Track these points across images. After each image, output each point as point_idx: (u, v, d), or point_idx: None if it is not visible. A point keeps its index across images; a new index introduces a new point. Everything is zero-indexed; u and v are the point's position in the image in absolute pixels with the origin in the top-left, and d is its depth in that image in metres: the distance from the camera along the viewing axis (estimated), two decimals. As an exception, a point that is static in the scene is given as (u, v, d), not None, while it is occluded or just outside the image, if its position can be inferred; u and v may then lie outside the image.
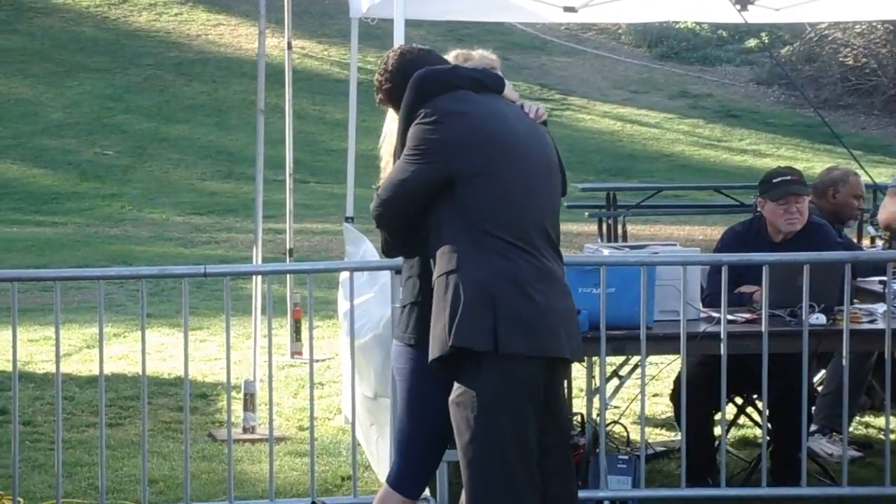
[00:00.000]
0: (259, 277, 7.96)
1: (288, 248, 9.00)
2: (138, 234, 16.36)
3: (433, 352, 4.36)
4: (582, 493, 5.34)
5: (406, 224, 4.45)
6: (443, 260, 4.35)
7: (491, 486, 4.30)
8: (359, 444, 6.41)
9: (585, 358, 5.80)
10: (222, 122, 22.61)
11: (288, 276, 9.27)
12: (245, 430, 7.32)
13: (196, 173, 20.44)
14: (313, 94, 23.25)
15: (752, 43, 27.00)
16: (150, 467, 6.25)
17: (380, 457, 6.29)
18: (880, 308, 6.17)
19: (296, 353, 9.14)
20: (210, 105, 23.39)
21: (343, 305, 7.39)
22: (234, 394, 7.38)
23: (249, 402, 7.37)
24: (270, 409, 6.04)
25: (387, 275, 5.92)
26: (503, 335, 4.25)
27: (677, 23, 25.38)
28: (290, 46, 8.88)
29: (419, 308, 4.59)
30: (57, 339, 5.78)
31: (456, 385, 4.34)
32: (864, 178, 7.55)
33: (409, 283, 4.65)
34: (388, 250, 4.60)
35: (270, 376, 6.12)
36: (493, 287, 4.27)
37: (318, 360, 8.58)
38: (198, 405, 7.98)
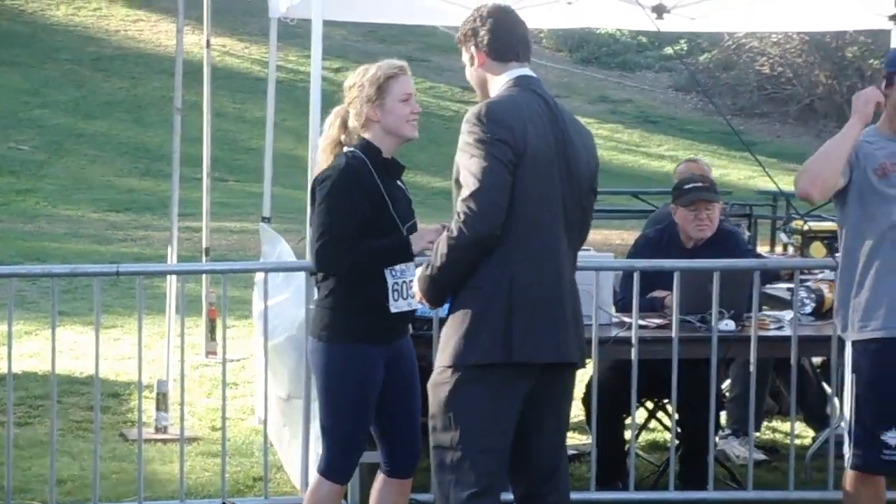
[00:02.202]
0: (174, 277, 7.92)
1: (204, 246, 8.96)
2: (53, 231, 16.17)
3: (447, 359, 4.42)
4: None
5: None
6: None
7: (460, 481, 4.38)
8: (271, 445, 6.40)
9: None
10: (140, 119, 22.41)
11: (203, 275, 9.22)
12: (157, 430, 7.28)
13: (113, 170, 20.24)
14: (233, 92, 23.13)
15: (671, 50, 27.30)
16: (58, 467, 6.19)
17: (292, 458, 6.28)
18: (787, 315, 6.27)
19: (210, 352, 9.10)
20: (128, 101, 23.18)
21: (258, 306, 7.37)
22: (146, 393, 7.32)
23: (162, 402, 7.33)
24: (182, 409, 6.02)
25: (302, 276, 5.92)
26: (517, 344, 4.34)
27: (598, 28, 25.57)
28: (208, 45, 8.84)
29: (332, 306, 4.88)
30: (-35, 337, 5.71)
31: (438, 372, 4.44)
32: (759, 183, 7.72)
33: (325, 283, 4.90)
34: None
35: (183, 376, 6.09)
36: (511, 298, 4.34)
37: (232, 360, 8.55)
38: (109, 404, 7.91)
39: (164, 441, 7.15)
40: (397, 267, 4.87)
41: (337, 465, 4.96)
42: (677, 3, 8.11)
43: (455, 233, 4.32)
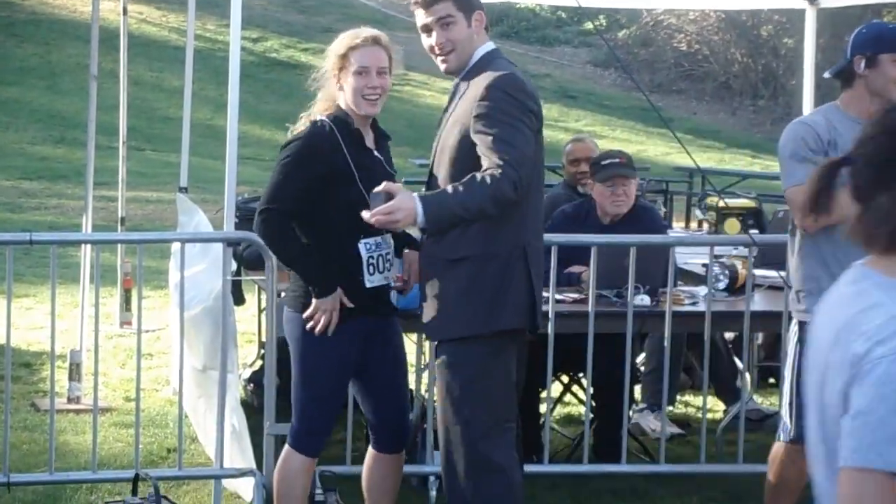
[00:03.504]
0: (88, 246, 7.83)
1: (120, 216, 8.87)
2: (-36, 198, 15.93)
3: (464, 329, 4.49)
4: (408, 468, 5.41)
5: None
6: (472, 237, 4.45)
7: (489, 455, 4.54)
8: (186, 416, 6.36)
9: (415, 334, 5.84)
10: (55, 86, 22.11)
11: (119, 245, 9.13)
12: (70, 401, 7.21)
13: (26, 137, 19.97)
14: (151, 60, 22.89)
15: (590, 25, 27.40)
16: (-31, 437, 6.11)
17: (207, 429, 6.25)
18: (702, 291, 6.34)
19: (125, 323, 9.02)
20: (42, 68, 22.86)
21: (174, 276, 7.32)
22: (60, 363, 7.25)
23: (75, 372, 7.26)
24: (95, 379, 5.96)
25: (219, 247, 5.88)
26: (538, 311, 4.55)
27: (518, 2, 25.61)
28: (125, 11, 8.73)
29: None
30: None
31: (452, 352, 4.53)
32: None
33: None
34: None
35: (97, 345, 6.03)
36: (529, 265, 4.51)
37: (147, 331, 8.48)
38: (21, 374, 7.82)
39: (77, 411, 7.09)
40: (371, 240, 4.76)
41: (306, 438, 4.87)
42: (597, -21, 8.15)
43: (495, 184, 4.28)
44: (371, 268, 4.77)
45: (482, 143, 4.37)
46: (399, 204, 4.25)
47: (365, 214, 4.28)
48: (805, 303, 4.90)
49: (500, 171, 4.29)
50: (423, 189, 4.62)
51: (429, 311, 4.55)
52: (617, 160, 6.67)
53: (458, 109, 4.52)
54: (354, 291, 4.76)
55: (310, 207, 4.74)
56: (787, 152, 4.87)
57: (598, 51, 27.04)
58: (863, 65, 4.83)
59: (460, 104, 4.53)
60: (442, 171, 4.53)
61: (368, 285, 4.77)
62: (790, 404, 4.95)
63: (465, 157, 4.43)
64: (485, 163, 4.34)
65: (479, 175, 4.31)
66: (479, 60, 4.58)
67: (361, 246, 4.76)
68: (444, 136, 4.56)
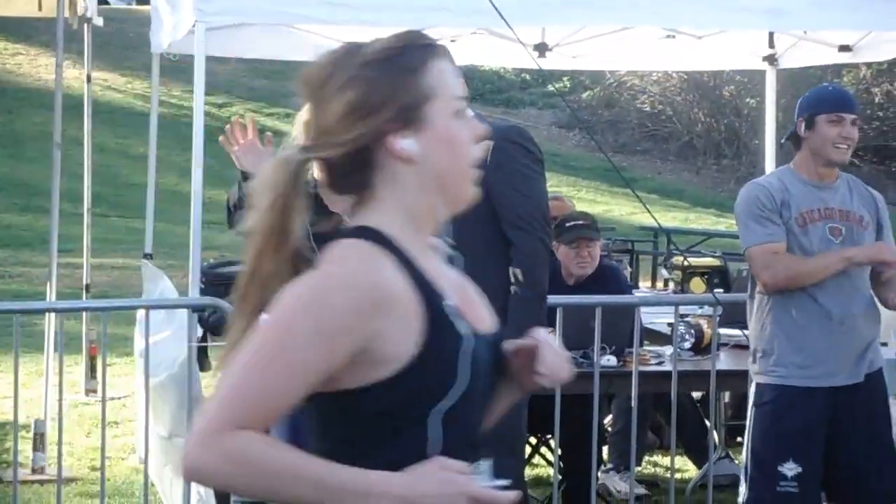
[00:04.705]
0: (52, 314, 7.79)
1: (85, 283, 8.83)
2: (-72, 267, 15.82)
3: None
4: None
5: None
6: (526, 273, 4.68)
7: None
8: (152, 485, 6.31)
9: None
10: (19, 154, 22.06)
11: (84, 312, 9.08)
12: (34, 471, 7.13)
13: (-9, 205, 19.89)
14: (115, 126, 22.87)
15: (554, 87, 27.58)
16: (-69, 510, 6.04)
17: (174, 497, 6.20)
18: (668, 350, 6.36)
19: (91, 391, 8.95)
20: (6, 136, 22.80)
21: (140, 343, 7.28)
22: (24, 433, 7.18)
23: (39, 442, 7.19)
24: (60, 449, 5.91)
25: (184, 313, 5.86)
26: None
27: (482, 65, 25.77)
28: (89, 79, 8.74)
29: None
30: None
31: None
32: (641, 217, 7.78)
33: None
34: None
35: (61, 414, 5.98)
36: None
37: (113, 399, 8.41)
38: (-16, 445, 7.75)
39: (42, 482, 7.01)
40: None
41: None
42: (559, 41, 8.23)
43: (533, 274, 4.62)
44: None
45: (506, 201, 4.56)
46: None
47: None
48: (761, 364, 4.92)
49: (529, 249, 4.59)
50: None
51: None
52: (581, 222, 6.70)
53: None
54: None
55: None
56: (744, 212, 4.94)
57: (563, 112, 27.20)
58: (803, 127, 4.93)
59: None
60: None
61: None
62: (745, 467, 4.97)
63: (484, 211, 4.62)
64: (509, 228, 4.58)
65: (516, 290, 4.60)
66: None
67: None
68: None
